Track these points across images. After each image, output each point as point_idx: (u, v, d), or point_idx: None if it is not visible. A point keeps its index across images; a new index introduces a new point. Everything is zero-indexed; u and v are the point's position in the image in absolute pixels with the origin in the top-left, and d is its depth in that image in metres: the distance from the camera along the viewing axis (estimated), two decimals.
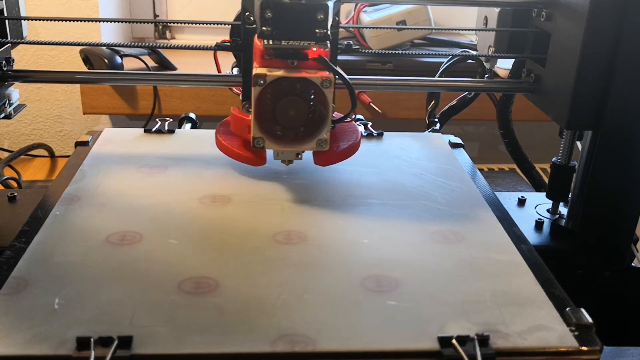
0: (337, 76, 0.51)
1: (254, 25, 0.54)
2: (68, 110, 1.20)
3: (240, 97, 0.58)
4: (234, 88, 0.61)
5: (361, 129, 0.70)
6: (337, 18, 0.56)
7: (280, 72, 0.50)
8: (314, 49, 0.50)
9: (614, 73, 0.52)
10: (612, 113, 0.53)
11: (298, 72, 0.50)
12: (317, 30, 0.49)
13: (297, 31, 0.49)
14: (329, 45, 0.50)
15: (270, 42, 0.49)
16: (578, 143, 0.59)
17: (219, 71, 0.63)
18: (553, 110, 0.57)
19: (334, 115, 0.56)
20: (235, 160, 0.57)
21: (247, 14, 0.54)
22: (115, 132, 0.67)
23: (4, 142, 1.18)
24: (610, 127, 0.54)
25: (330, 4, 0.49)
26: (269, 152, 0.56)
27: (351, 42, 0.59)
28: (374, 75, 0.63)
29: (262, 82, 0.50)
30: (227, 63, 0.69)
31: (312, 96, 0.51)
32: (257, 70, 0.50)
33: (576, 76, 0.53)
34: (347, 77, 0.52)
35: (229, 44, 0.57)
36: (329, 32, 0.49)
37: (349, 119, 0.57)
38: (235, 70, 0.61)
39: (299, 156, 0.55)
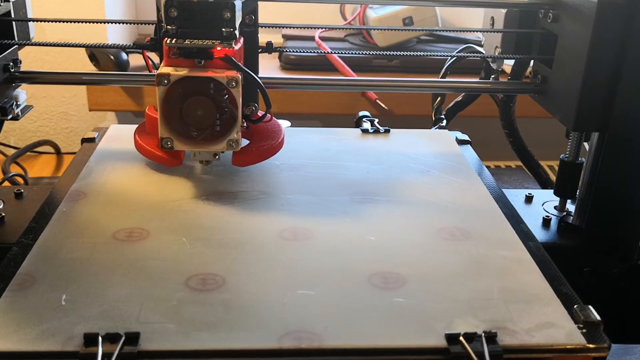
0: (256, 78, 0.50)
1: None
2: (74, 107, 1.21)
3: None
4: None
5: (367, 125, 0.70)
6: (253, 17, 0.55)
7: (184, 72, 0.49)
8: (219, 48, 0.49)
9: (621, 74, 0.52)
10: (619, 114, 0.53)
11: (204, 71, 0.49)
12: (223, 29, 0.48)
13: (202, 30, 0.48)
14: (233, 44, 0.49)
15: (174, 41, 0.48)
16: (585, 143, 0.59)
17: (149, 70, 0.63)
18: (560, 112, 0.57)
19: (258, 114, 0.56)
20: (153, 161, 0.56)
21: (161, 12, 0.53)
22: (122, 129, 0.67)
23: (10, 139, 1.19)
24: (617, 129, 0.54)
25: (238, 3, 0.48)
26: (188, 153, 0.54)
27: (272, 42, 0.58)
28: (380, 72, 0.63)
29: (166, 81, 0.49)
30: None
31: (225, 97, 0.49)
32: (161, 69, 0.49)
33: (583, 78, 0.53)
34: (257, 77, 0.51)
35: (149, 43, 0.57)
36: (236, 31, 0.48)
37: (267, 119, 0.55)
38: None
39: (217, 157, 0.54)
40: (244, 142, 0.56)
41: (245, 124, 0.55)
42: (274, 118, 0.59)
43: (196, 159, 0.54)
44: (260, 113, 0.56)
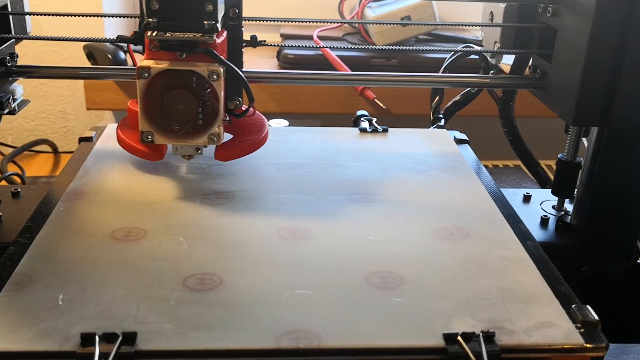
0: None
1: None
2: (71, 106, 1.21)
3: None
4: None
5: (365, 125, 0.70)
6: (237, 10, 0.54)
7: (165, 65, 0.48)
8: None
9: (621, 69, 0.52)
10: (618, 109, 0.53)
11: (185, 64, 0.49)
12: (205, 22, 0.47)
13: (184, 23, 0.48)
14: (215, 37, 0.49)
15: (155, 33, 0.48)
16: (584, 139, 0.59)
17: (134, 64, 0.62)
18: (559, 107, 0.57)
19: (242, 108, 0.55)
20: (134, 155, 0.55)
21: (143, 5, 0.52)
22: None
23: (7, 138, 1.18)
24: (616, 124, 0.54)
25: None
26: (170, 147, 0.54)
27: (256, 35, 0.57)
28: (378, 71, 0.63)
29: (146, 74, 0.48)
30: None
31: (208, 90, 0.49)
32: (142, 62, 0.49)
33: (583, 72, 0.52)
34: (240, 71, 0.51)
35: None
36: (218, 24, 0.48)
37: (249, 113, 0.55)
38: None
39: (199, 151, 0.53)
40: (228, 136, 0.55)
41: (228, 119, 0.55)
42: (257, 112, 0.59)
43: (178, 154, 0.53)
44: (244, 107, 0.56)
